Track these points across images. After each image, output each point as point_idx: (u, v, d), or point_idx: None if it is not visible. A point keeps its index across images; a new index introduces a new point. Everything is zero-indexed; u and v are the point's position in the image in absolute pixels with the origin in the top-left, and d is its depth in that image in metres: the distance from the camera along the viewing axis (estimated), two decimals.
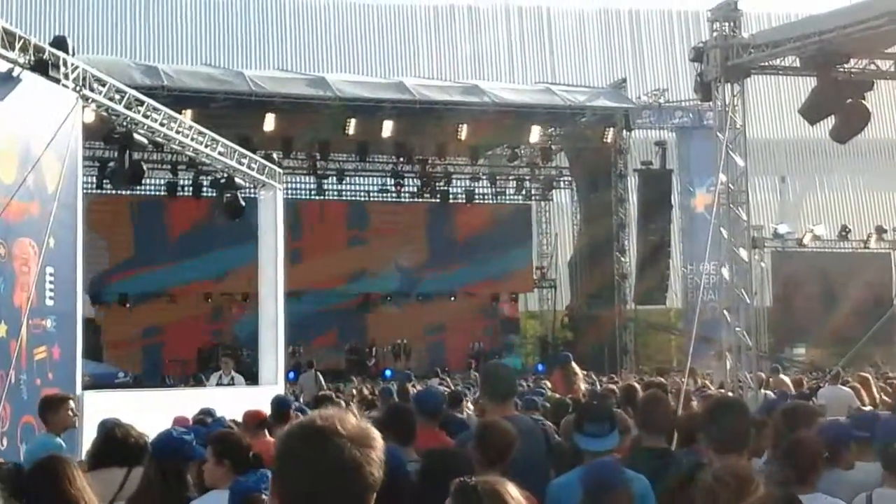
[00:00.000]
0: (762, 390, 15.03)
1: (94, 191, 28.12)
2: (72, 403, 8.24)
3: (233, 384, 17.41)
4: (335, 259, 33.17)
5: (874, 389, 13.64)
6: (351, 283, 34.42)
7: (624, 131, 32.03)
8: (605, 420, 6.01)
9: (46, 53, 11.19)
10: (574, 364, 15.51)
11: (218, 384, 17.58)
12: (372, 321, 34.62)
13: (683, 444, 7.40)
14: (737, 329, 15.53)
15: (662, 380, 16.44)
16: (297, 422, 2.61)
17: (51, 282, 10.81)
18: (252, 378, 19.33)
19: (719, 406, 5.54)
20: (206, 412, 9.84)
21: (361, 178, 35.51)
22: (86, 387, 11.97)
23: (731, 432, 5.04)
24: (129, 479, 6.12)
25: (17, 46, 10.70)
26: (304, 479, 2.45)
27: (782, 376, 17.03)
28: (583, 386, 15.13)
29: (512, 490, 3.36)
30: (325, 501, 2.44)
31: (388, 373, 30.09)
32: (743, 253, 16.41)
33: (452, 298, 35.38)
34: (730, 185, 17.13)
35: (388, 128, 28.90)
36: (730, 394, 14.20)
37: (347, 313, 34.46)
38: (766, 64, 17.92)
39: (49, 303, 10.82)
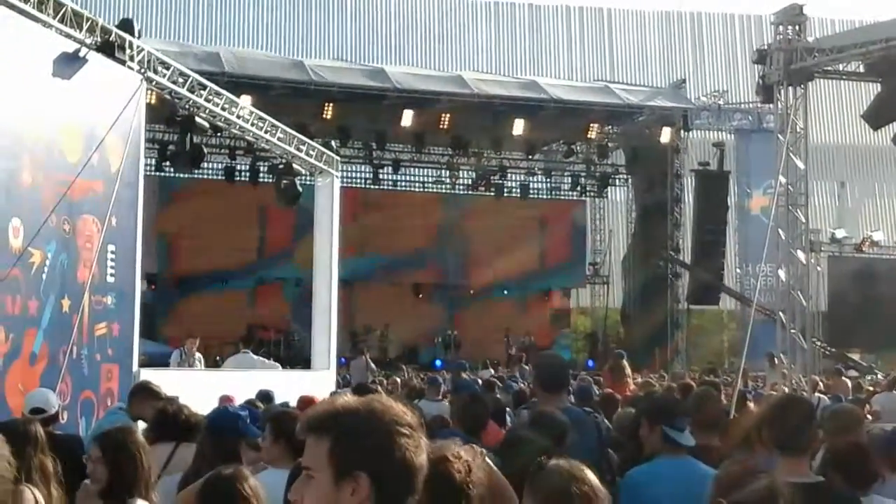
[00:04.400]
0: (816, 393, 14.88)
1: (153, 172, 28.32)
2: (161, 405, 7.39)
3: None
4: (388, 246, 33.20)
5: None
6: (402, 271, 34.41)
7: (682, 131, 31.84)
8: (689, 416, 6.06)
9: (113, 35, 11.37)
10: (625, 362, 15.55)
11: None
12: (421, 311, 34.52)
13: (738, 444, 7.36)
14: (792, 331, 15.38)
15: (716, 379, 16.35)
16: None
17: (112, 259, 10.99)
18: (304, 363, 19.49)
19: (786, 404, 5.45)
20: (263, 395, 9.94)
21: (416, 169, 35.54)
22: (141, 365, 12.12)
23: (797, 432, 4.95)
24: (175, 455, 6.22)
25: (85, 27, 10.89)
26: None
27: (844, 378, 16.74)
28: (632, 383, 15.14)
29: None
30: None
31: (437, 363, 30.06)
32: (800, 255, 16.27)
33: (505, 292, 35.32)
34: (789, 187, 17.00)
35: (444, 120, 28.94)
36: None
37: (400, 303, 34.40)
38: (830, 68, 17.79)
39: (110, 280, 11.00)
